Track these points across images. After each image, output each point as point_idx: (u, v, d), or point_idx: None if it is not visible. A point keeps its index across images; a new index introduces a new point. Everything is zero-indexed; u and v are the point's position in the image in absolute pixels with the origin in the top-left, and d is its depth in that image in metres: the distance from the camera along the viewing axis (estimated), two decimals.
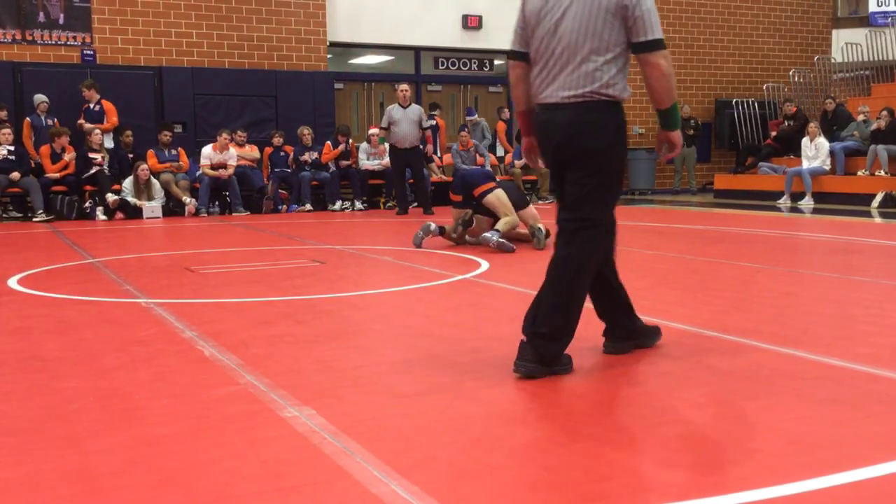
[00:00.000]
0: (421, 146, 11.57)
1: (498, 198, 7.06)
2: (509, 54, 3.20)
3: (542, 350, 2.97)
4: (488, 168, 13.24)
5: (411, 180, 11.79)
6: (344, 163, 12.37)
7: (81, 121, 11.31)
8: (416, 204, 11.88)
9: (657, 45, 2.96)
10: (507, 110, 14.73)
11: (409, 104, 11.34)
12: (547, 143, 3.11)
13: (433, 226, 7.32)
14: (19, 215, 11.19)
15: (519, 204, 7.20)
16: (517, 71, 3.18)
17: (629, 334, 3.38)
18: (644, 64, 2.97)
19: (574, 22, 2.94)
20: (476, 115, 14.15)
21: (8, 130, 10.68)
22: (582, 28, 2.93)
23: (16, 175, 10.51)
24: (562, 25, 2.96)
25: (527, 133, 3.29)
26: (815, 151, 12.80)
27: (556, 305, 3.02)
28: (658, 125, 3.15)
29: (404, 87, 11.50)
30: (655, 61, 2.95)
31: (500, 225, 6.93)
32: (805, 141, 12.98)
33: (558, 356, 3.03)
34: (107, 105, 11.48)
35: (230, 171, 11.54)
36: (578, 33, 2.94)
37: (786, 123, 14.37)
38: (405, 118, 11.20)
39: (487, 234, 6.82)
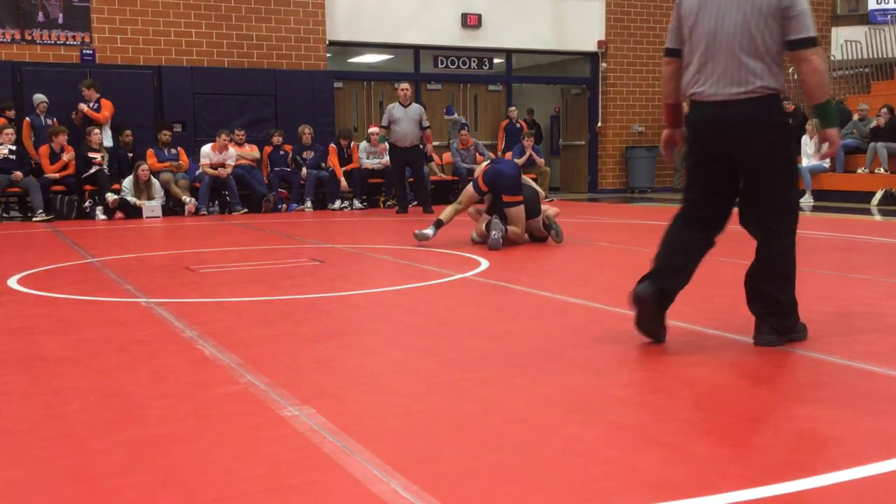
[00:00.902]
0: (421, 146, 11.54)
1: (518, 214, 7.11)
2: (665, 51, 3.45)
3: (778, 325, 3.36)
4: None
5: (411, 179, 11.79)
6: (349, 167, 12.36)
7: (79, 106, 11.26)
8: (415, 203, 11.88)
9: (811, 42, 3.17)
10: (514, 108, 14.70)
11: (410, 103, 11.32)
12: (710, 138, 3.28)
13: (430, 232, 7.31)
14: (19, 215, 11.20)
15: (534, 212, 7.26)
16: (671, 67, 3.43)
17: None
18: (798, 60, 3.20)
19: (734, 23, 3.16)
20: (456, 115, 13.97)
21: (10, 130, 10.68)
22: (742, 29, 3.15)
23: (18, 175, 10.51)
24: (722, 27, 3.17)
25: (672, 125, 3.56)
26: (816, 149, 12.80)
27: (781, 286, 3.36)
28: (816, 123, 3.37)
29: (405, 86, 11.47)
30: (809, 57, 3.16)
31: (508, 232, 7.05)
32: (805, 139, 12.98)
33: (792, 327, 3.40)
34: (105, 103, 11.47)
35: (229, 170, 11.54)
36: (740, 34, 3.15)
37: (790, 121, 14.35)
38: (406, 117, 11.17)
39: (495, 234, 6.90)
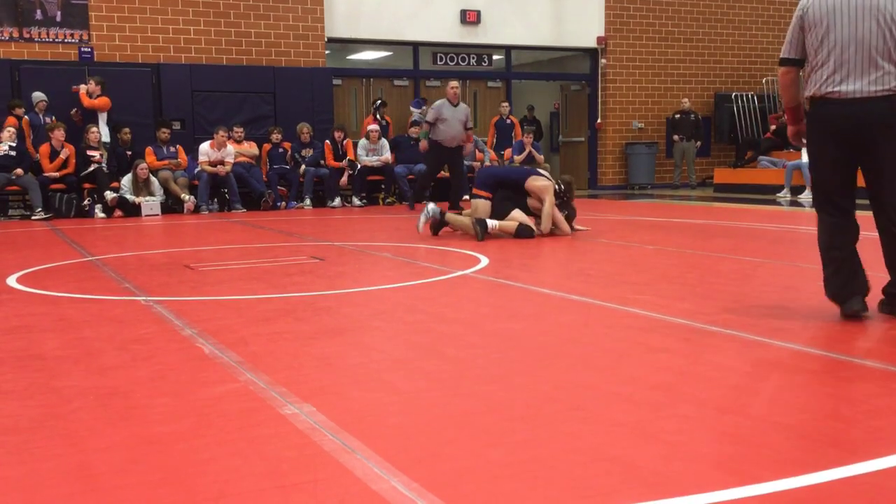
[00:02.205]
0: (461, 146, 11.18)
1: (475, 206, 7.57)
2: (783, 61, 3.80)
3: None
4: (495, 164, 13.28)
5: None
6: (342, 163, 12.33)
7: (77, 88, 11.23)
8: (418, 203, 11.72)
9: None
10: (506, 104, 14.57)
11: (458, 102, 10.97)
12: (845, 131, 3.63)
13: (432, 209, 7.63)
14: (18, 213, 11.19)
15: (511, 208, 7.53)
16: (791, 76, 3.80)
17: None
18: None
19: (869, 30, 3.56)
20: (423, 108, 13.38)
21: (13, 129, 10.67)
22: (877, 35, 3.55)
23: (19, 171, 10.49)
24: (858, 33, 3.57)
25: (796, 123, 3.93)
26: None
27: None
28: None
29: (454, 83, 11.05)
30: None
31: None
32: None
33: None
34: (103, 98, 11.44)
35: (228, 167, 11.53)
36: (876, 39, 3.56)
37: (784, 118, 14.35)
38: (454, 117, 10.80)
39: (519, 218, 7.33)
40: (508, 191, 7.57)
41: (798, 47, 3.74)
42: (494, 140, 14.23)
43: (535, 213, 7.59)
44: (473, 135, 11.54)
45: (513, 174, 7.90)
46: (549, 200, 7.46)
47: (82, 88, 11.23)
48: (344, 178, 12.31)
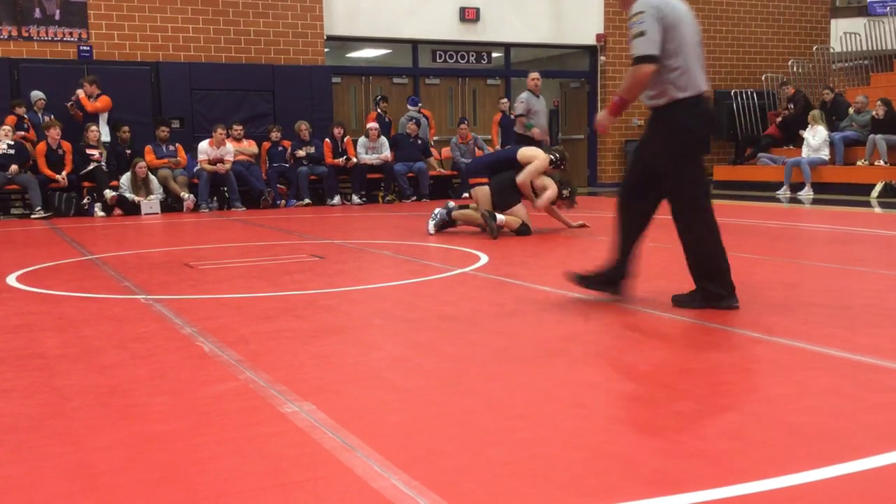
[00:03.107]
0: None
1: (476, 194, 7.69)
2: (652, 58, 3.80)
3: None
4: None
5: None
6: (340, 161, 12.30)
7: (76, 92, 11.22)
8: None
9: None
10: (505, 101, 14.46)
11: (539, 94, 10.81)
12: (711, 129, 3.95)
13: (439, 211, 7.78)
14: (18, 212, 11.18)
15: (516, 200, 7.67)
16: (652, 72, 3.83)
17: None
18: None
19: (697, 40, 3.97)
20: (418, 105, 13.56)
21: (9, 127, 10.66)
22: (699, 43, 3.98)
23: (14, 168, 10.49)
24: (694, 41, 3.92)
25: (617, 114, 4.07)
26: (815, 139, 12.79)
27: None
28: None
29: (535, 75, 10.88)
30: None
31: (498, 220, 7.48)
32: (808, 130, 12.96)
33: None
34: (103, 98, 11.43)
35: (227, 165, 11.53)
36: (698, 48, 3.97)
37: (788, 107, 14.28)
38: (542, 109, 10.68)
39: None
40: (506, 171, 7.62)
41: (660, 46, 3.79)
42: (500, 138, 14.10)
43: (537, 192, 7.70)
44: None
45: (501, 153, 8.14)
46: (542, 163, 7.54)
47: (81, 94, 11.20)
48: (341, 160, 12.21)
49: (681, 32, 3.82)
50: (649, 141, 4.05)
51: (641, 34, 3.74)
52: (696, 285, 4.03)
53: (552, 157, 7.72)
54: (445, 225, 7.85)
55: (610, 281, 4.22)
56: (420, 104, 13.77)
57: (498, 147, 13.46)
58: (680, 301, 4.07)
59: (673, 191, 3.97)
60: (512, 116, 11.06)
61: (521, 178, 7.54)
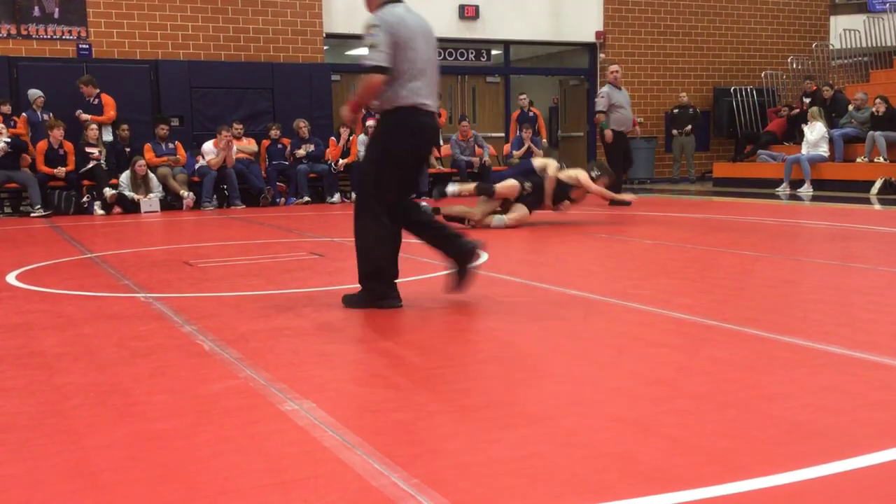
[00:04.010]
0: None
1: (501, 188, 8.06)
2: (383, 69, 4.00)
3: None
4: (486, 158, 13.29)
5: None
6: (343, 162, 12.28)
7: (80, 111, 11.27)
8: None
9: None
10: (524, 96, 14.30)
11: (621, 87, 10.73)
12: (430, 139, 4.20)
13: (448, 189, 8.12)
14: (14, 210, 11.18)
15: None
16: (383, 81, 4.03)
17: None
18: None
19: (434, 57, 4.21)
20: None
21: (2, 126, 10.66)
22: (436, 61, 4.22)
23: (27, 158, 10.53)
24: (432, 58, 4.16)
25: (357, 111, 4.32)
26: (813, 135, 12.79)
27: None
28: None
29: (615, 67, 10.79)
30: None
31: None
32: (807, 127, 12.96)
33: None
34: (106, 98, 11.45)
35: (235, 156, 11.50)
36: (436, 64, 4.22)
37: (805, 101, 14.18)
38: (626, 101, 10.58)
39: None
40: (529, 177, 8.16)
41: (392, 59, 4.01)
42: (518, 134, 14.03)
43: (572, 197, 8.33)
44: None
45: (522, 166, 8.64)
46: (553, 168, 8.19)
47: (86, 118, 11.16)
48: (340, 164, 12.20)
49: (413, 48, 4.06)
50: (372, 143, 4.29)
51: (374, 46, 4.01)
52: (361, 285, 4.20)
53: (594, 171, 8.49)
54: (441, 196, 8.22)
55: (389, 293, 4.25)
56: None
57: (511, 145, 13.52)
58: (349, 300, 4.21)
59: (360, 186, 4.28)
60: (598, 112, 10.83)
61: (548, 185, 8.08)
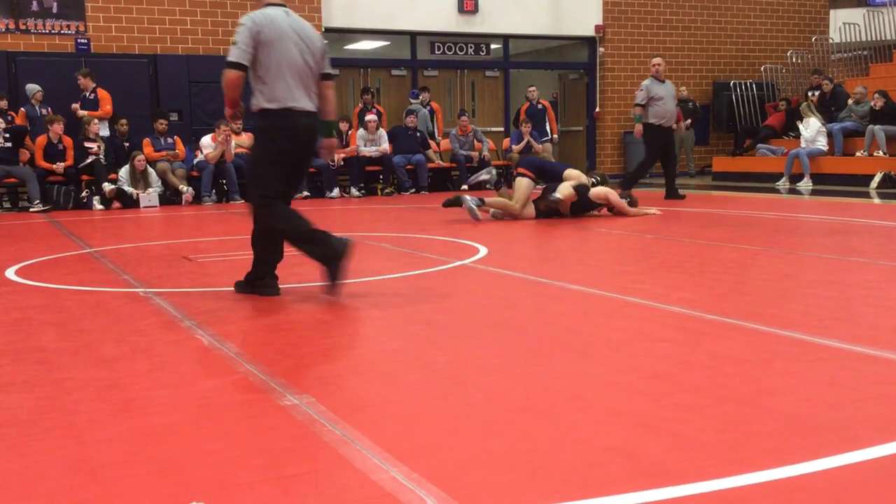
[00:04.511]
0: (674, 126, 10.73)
1: (518, 185, 8.28)
2: (240, 66, 4.22)
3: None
4: (486, 153, 13.28)
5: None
6: (342, 154, 12.25)
7: (76, 105, 11.25)
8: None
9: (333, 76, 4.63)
10: (533, 88, 14.20)
11: (665, 79, 10.52)
12: (300, 141, 4.33)
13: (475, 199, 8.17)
14: (12, 205, 11.17)
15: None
16: (242, 78, 4.29)
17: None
18: (327, 87, 4.50)
19: (301, 59, 4.29)
20: (421, 96, 13.59)
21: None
22: (304, 63, 4.32)
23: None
24: (297, 59, 4.27)
25: (233, 107, 4.46)
26: (808, 131, 12.78)
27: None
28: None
29: (657, 60, 10.58)
30: (332, 84, 4.57)
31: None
32: (803, 123, 12.95)
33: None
34: (102, 93, 11.43)
35: (230, 156, 11.48)
36: (308, 66, 4.34)
37: (810, 95, 14.09)
38: (668, 94, 10.34)
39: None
40: (551, 182, 8.28)
41: (250, 57, 4.22)
42: (530, 127, 13.96)
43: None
44: (681, 111, 10.81)
45: (551, 164, 8.80)
46: (568, 190, 8.06)
47: (83, 114, 11.16)
48: (338, 158, 12.19)
49: (277, 50, 4.20)
50: (253, 142, 4.64)
51: (235, 43, 4.21)
52: (250, 272, 4.51)
53: (592, 180, 8.42)
54: (454, 204, 8.20)
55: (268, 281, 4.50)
56: (420, 97, 13.78)
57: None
58: (238, 286, 4.55)
59: (248, 186, 4.58)
60: (636, 105, 10.62)
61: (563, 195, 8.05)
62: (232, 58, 4.20)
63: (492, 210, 8.26)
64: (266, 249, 4.45)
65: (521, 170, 8.27)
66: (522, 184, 8.12)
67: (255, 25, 4.19)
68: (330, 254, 4.20)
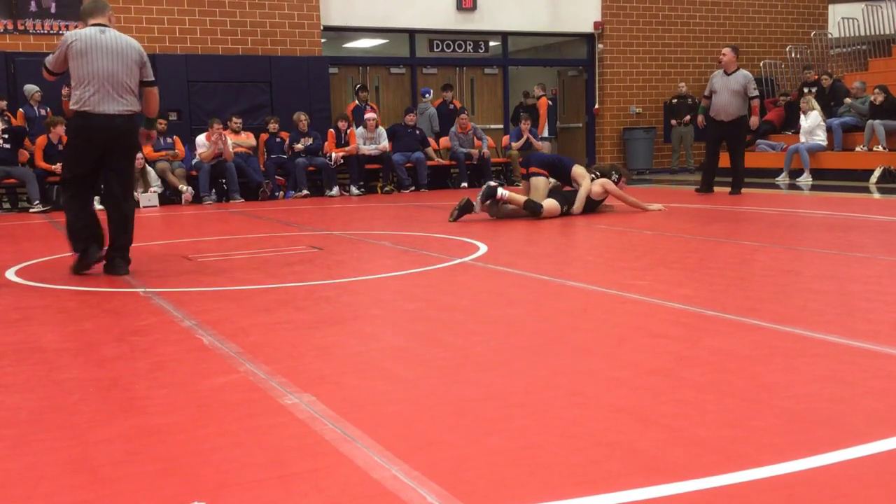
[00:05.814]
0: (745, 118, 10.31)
1: (535, 184, 8.32)
2: (52, 73, 5.27)
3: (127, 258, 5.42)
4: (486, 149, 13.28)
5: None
6: (341, 152, 12.23)
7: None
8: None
9: (155, 83, 5.47)
10: (538, 87, 14.34)
11: (735, 70, 10.19)
12: (96, 139, 5.16)
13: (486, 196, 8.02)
14: (12, 206, 11.16)
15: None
16: (50, 81, 5.55)
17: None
18: (150, 93, 5.40)
19: (114, 69, 5.15)
20: (429, 95, 13.76)
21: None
22: (119, 73, 5.18)
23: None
24: (108, 69, 5.11)
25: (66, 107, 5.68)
26: (807, 123, 12.77)
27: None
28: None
29: (726, 51, 10.35)
30: (155, 90, 5.46)
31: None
32: (803, 117, 12.95)
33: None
34: None
35: (228, 155, 11.48)
36: (122, 75, 5.20)
37: (805, 91, 14.10)
38: (726, 87, 10.13)
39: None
40: (560, 179, 8.41)
41: (61, 66, 5.19)
42: (545, 123, 14.03)
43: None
44: (757, 105, 10.39)
45: (560, 160, 8.73)
46: (585, 185, 8.20)
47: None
48: (338, 156, 12.18)
49: (89, 61, 5.07)
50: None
51: (53, 52, 5.21)
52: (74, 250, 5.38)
53: (592, 175, 8.38)
54: (465, 210, 8.00)
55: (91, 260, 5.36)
56: (428, 95, 13.84)
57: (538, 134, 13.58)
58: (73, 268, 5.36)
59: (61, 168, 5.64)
60: (703, 97, 10.57)
61: (577, 208, 8.12)
62: (46, 61, 5.24)
63: (498, 208, 8.09)
64: (74, 227, 5.35)
65: (535, 168, 8.30)
66: (540, 183, 8.16)
67: (66, 39, 5.13)
68: (81, 254, 5.28)
